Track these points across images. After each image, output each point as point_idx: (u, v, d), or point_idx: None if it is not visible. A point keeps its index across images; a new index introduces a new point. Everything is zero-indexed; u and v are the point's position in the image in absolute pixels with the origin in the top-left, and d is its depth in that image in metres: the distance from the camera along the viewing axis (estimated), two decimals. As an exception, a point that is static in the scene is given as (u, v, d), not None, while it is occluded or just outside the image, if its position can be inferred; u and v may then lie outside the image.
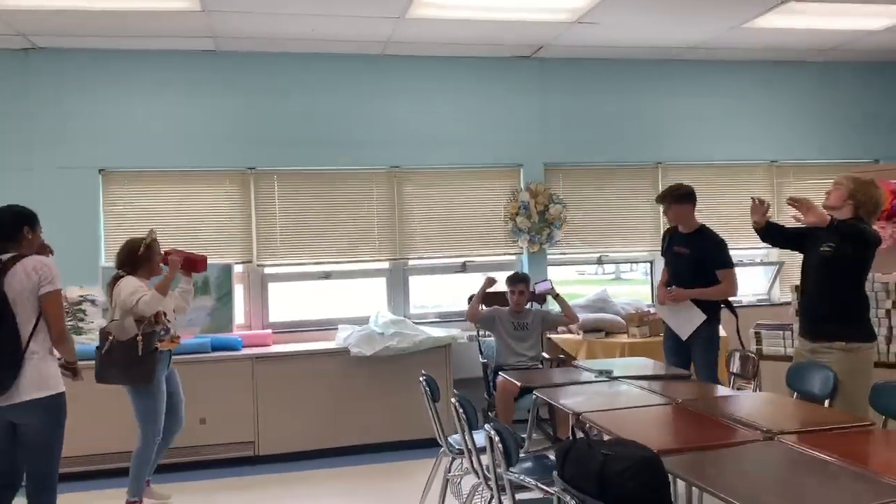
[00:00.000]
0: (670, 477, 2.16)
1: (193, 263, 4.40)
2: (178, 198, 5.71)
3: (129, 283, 4.09)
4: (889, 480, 2.13)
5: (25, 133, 5.45)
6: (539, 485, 2.67)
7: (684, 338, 4.43)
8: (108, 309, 4.39)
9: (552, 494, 2.75)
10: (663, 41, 5.89)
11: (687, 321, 4.40)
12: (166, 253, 4.33)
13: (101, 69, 5.54)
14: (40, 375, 3.25)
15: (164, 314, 4.19)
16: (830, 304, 3.69)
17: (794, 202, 3.75)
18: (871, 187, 3.72)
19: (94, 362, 4.18)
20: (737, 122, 6.56)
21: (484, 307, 5.36)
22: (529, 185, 6.12)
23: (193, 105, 5.68)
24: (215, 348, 5.27)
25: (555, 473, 2.22)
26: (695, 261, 4.46)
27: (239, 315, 5.75)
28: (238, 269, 5.75)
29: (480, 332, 5.61)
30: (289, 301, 5.93)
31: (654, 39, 5.82)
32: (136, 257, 4.19)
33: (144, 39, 5.35)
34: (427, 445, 4.97)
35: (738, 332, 4.71)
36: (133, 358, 4.01)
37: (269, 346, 5.52)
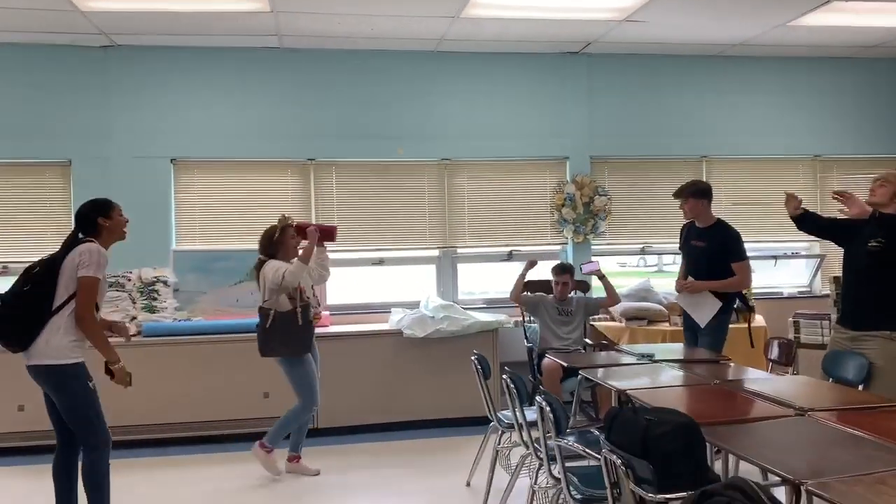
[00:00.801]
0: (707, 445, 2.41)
1: (328, 233, 4.72)
2: (244, 186, 6.08)
3: (273, 265, 4.51)
4: (908, 450, 2.35)
5: (104, 125, 5.86)
6: (587, 451, 2.93)
7: (703, 325, 4.66)
8: (259, 290, 4.70)
9: (598, 462, 3.03)
10: (709, 38, 6.04)
11: (704, 309, 4.63)
12: (300, 226, 4.65)
13: (173, 65, 5.92)
14: (48, 345, 3.39)
15: (305, 292, 4.54)
16: (876, 295, 3.86)
17: (839, 195, 3.94)
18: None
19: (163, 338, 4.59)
20: (780, 116, 6.69)
21: (528, 292, 5.61)
22: (575, 178, 6.34)
23: (257, 99, 6.03)
24: (277, 328, 5.61)
25: (602, 437, 2.48)
26: (710, 253, 4.67)
27: (298, 297, 6.10)
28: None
29: (526, 318, 5.87)
30: (345, 285, 6.26)
31: (699, 37, 5.99)
32: (273, 242, 4.58)
33: (214, 38, 5.71)
34: (474, 423, 5.28)
35: (749, 326, 4.91)
36: (294, 329, 4.44)
37: (327, 326, 5.85)
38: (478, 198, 6.35)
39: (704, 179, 6.48)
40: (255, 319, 5.60)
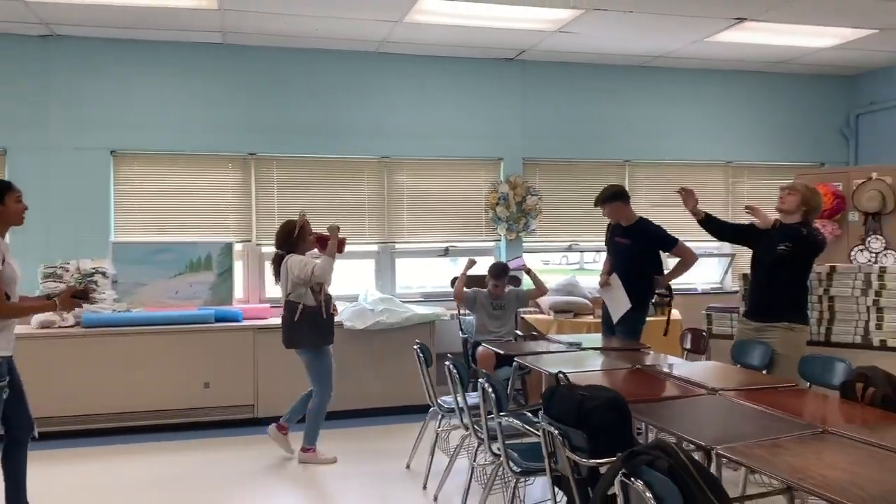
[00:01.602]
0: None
1: (341, 244, 4.85)
2: (184, 179, 6.14)
3: (298, 259, 4.65)
4: (801, 421, 2.73)
5: (43, 116, 5.83)
6: (526, 426, 3.23)
7: (615, 319, 5.07)
8: (280, 283, 4.82)
9: (534, 440, 3.32)
10: (634, 50, 6.46)
11: (618, 305, 5.02)
12: (320, 238, 4.76)
13: (115, 57, 5.93)
14: None
15: (326, 286, 4.70)
16: (780, 292, 4.32)
17: (751, 209, 4.41)
18: (818, 195, 4.44)
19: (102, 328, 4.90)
20: (697, 125, 7.19)
21: (466, 289, 5.89)
22: (509, 178, 6.67)
23: (200, 93, 6.10)
24: (218, 319, 5.72)
25: (541, 413, 2.77)
26: (634, 250, 5.05)
27: (238, 289, 6.21)
28: (238, 247, 6.20)
29: (461, 311, 6.15)
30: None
31: (626, 48, 6.40)
32: (293, 238, 4.69)
33: (158, 31, 5.75)
34: (413, 411, 5.53)
35: (668, 318, 5.44)
36: (319, 322, 4.62)
37: (267, 318, 5.98)
38: (416, 195, 6.60)
39: (627, 182, 6.96)
40: (195, 311, 5.78)
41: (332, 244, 4.68)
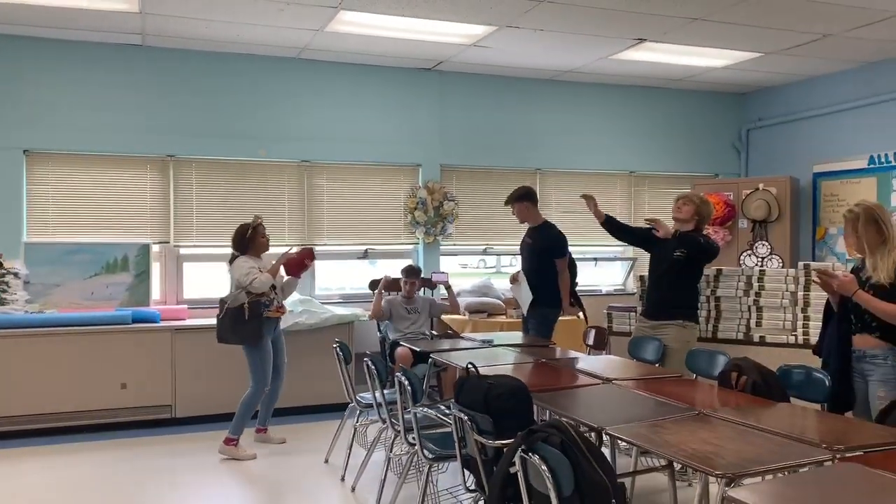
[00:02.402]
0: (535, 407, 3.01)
1: (299, 266, 5.15)
2: (101, 180, 6.11)
3: (243, 264, 4.94)
4: (681, 405, 3.07)
5: (-49, 112, 5.70)
6: (438, 415, 3.47)
7: (525, 311, 5.49)
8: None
9: (445, 430, 3.57)
10: (544, 65, 6.83)
11: (524, 299, 5.44)
12: (290, 263, 5.13)
13: (31, 55, 5.85)
14: None
15: (273, 288, 4.94)
16: (675, 292, 4.76)
17: (652, 221, 4.82)
18: (709, 205, 4.92)
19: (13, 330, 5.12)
20: (603, 136, 7.63)
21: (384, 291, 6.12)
22: (427, 183, 6.92)
23: (119, 94, 6.09)
24: (136, 320, 5.73)
25: (452, 401, 3.02)
26: (534, 250, 5.46)
27: (155, 291, 6.22)
28: (155, 248, 6.22)
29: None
30: (202, 279, 6.44)
31: (536, 63, 6.76)
32: (245, 240, 4.92)
33: (76, 31, 5.72)
34: (331, 410, 5.70)
35: (585, 317, 5.82)
36: (241, 321, 4.87)
37: (184, 319, 6.02)
38: (336, 199, 6.76)
39: (538, 189, 7.30)
40: (110, 313, 5.78)
41: (273, 268, 5.01)
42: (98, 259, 5.98)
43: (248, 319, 4.89)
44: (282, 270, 5.19)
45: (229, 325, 4.93)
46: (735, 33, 5.82)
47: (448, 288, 6.21)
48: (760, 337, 5.12)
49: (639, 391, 3.37)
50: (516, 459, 2.35)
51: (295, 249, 5.28)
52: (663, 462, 3.33)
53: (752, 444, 2.53)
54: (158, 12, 5.28)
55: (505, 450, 2.63)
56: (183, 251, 6.36)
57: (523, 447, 2.32)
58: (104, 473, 4.68)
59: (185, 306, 6.19)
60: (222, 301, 5.01)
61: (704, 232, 4.93)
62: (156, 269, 6.22)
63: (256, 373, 4.99)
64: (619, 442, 3.71)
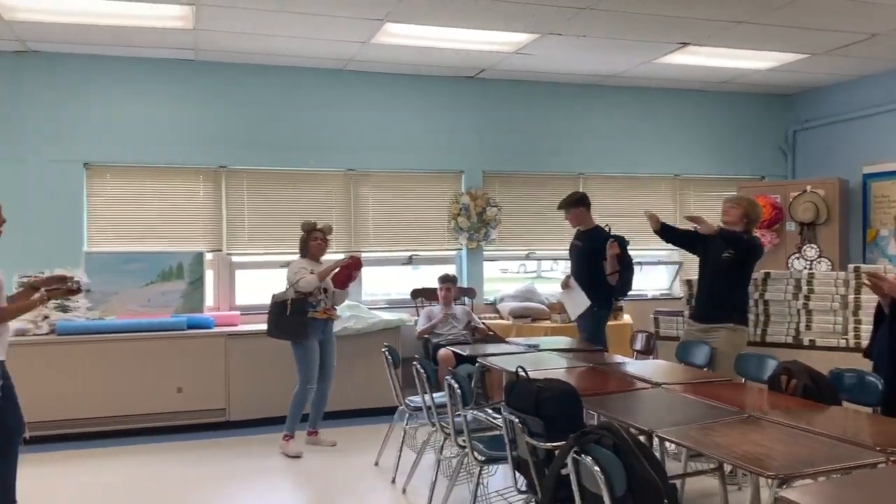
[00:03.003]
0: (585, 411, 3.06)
1: (345, 279, 5.32)
2: (156, 191, 6.33)
3: (295, 264, 5.26)
4: (730, 408, 3.09)
5: (18, 129, 5.97)
6: (489, 418, 3.54)
7: (573, 318, 5.48)
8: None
9: (494, 432, 3.64)
10: (586, 70, 6.87)
11: (576, 305, 5.43)
12: (341, 278, 5.31)
13: (88, 72, 6.10)
14: None
15: (323, 290, 5.16)
16: (725, 295, 4.71)
17: (692, 219, 4.80)
18: (758, 207, 4.89)
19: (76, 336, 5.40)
20: (647, 140, 7.62)
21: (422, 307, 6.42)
22: (469, 190, 7.00)
23: (171, 107, 6.30)
24: (190, 326, 5.92)
25: (503, 404, 3.08)
26: (584, 253, 5.47)
27: (209, 298, 6.41)
28: (209, 256, 6.41)
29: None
30: (254, 286, 6.61)
31: (578, 69, 6.80)
32: (302, 243, 5.29)
33: (132, 48, 5.95)
34: (380, 413, 5.80)
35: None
36: (283, 317, 5.10)
37: (237, 325, 6.20)
38: (381, 206, 6.89)
39: (582, 194, 7.35)
40: (166, 319, 5.98)
41: (323, 271, 5.19)
42: (154, 267, 6.19)
43: (289, 315, 5.08)
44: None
45: (273, 319, 5.17)
46: (780, 35, 5.78)
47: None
48: (810, 340, 5.08)
49: (688, 395, 3.39)
50: (568, 461, 2.41)
51: (342, 257, 5.44)
52: (712, 465, 3.36)
53: (804, 446, 2.55)
54: (211, 28, 5.46)
55: (556, 452, 2.68)
56: (235, 259, 6.55)
57: (576, 448, 2.38)
58: (160, 474, 4.85)
59: (238, 312, 6.37)
60: (273, 296, 5.23)
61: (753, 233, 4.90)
62: (209, 276, 6.41)
63: (300, 369, 5.20)
64: (668, 446, 3.74)
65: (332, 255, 5.64)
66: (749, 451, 2.47)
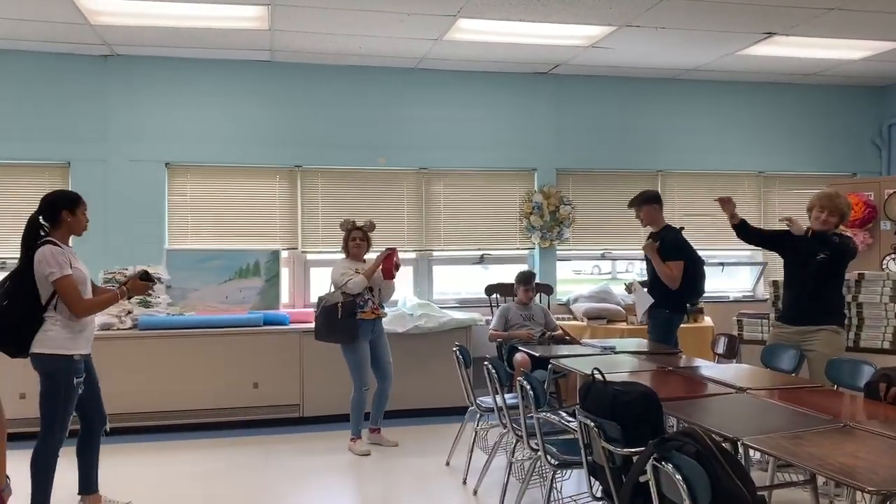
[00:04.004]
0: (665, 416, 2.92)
1: (389, 271, 5.24)
2: (234, 190, 6.46)
3: (339, 265, 5.22)
4: (822, 416, 2.90)
5: (102, 129, 6.19)
6: (562, 421, 3.43)
7: (639, 318, 5.26)
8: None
9: (568, 436, 3.53)
10: (665, 64, 6.64)
11: (641, 305, 5.30)
12: (388, 268, 5.22)
13: (168, 74, 6.28)
14: (45, 336, 3.61)
15: (368, 289, 5.14)
16: (821, 296, 4.42)
17: (787, 220, 4.55)
18: (847, 205, 4.50)
19: (157, 331, 5.51)
20: (729, 135, 7.32)
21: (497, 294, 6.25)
22: (542, 188, 6.88)
23: (248, 107, 6.42)
24: (267, 323, 6.01)
25: (577, 408, 2.97)
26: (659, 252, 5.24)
27: (285, 295, 6.50)
28: (284, 254, 6.50)
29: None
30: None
31: (657, 62, 6.58)
32: (343, 244, 5.26)
33: (210, 50, 6.09)
34: (451, 412, 5.75)
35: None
36: (334, 321, 5.08)
37: (311, 322, 6.23)
38: (452, 205, 6.84)
39: (660, 192, 7.11)
40: (244, 315, 6.08)
41: (369, 269, 5.12)
42: (232, 265, 6.31)
43: (340, 318, 5.06)
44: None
45: (323, 323, 5.12)
46: (874, 22, 5.44)
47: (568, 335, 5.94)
48: (905, 345, 4.76)
49: (776, 401, 3.20)
50: (648, 468, 2.29)
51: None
52: (803, 476, 3.17)
53: (908, 459, 2.35)
54: (286, 28, 5.53)
55: (635, 458, 2.56)
56: (310, 257, 6.62)
57: (655, 455, 2.25)
58: (236, 467, 4.92)
59: (313, 309, 6.41)
60: (319, 299, 5.22)
61: (840, 230, 4.60)
62: (285, 273, 6.50)
63: (352, 371, 5.18)
64: (753, 455, 3.55)
65: (404, 255, 5.60)
66: (846, 463, 2.29)
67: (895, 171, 7.44)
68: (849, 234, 5.74)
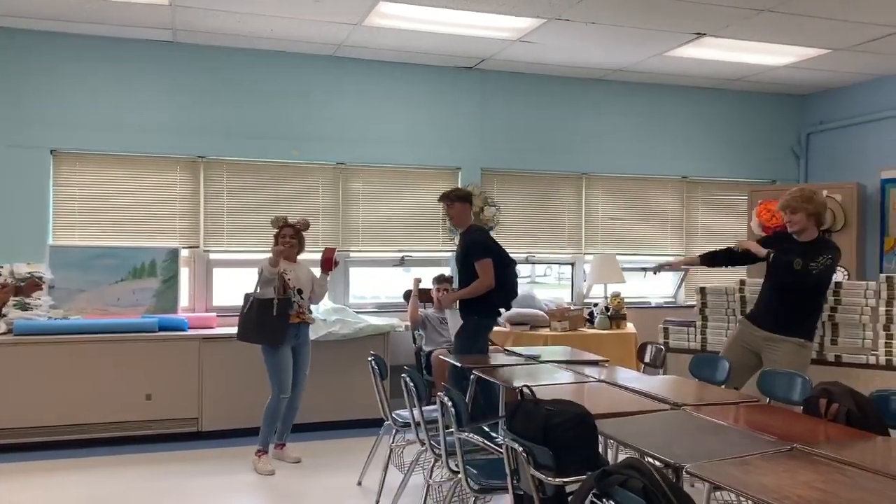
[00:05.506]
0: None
1: (329, 261, 4.99)
2: (129, 181, 5.88)
3: (263, 262, 4.75)
4: (768, 437, 2.67)
5: (-24, 110, 5.51)
6: (486, 442, 3.10)
7: (452, 337, 5.10)
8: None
9: (493, 455, 3.20)
10: (593, 63, 6.45)
11: (454, 325, 5.07)
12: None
13: (57, 51, 5.65)
14: None
15: (298, 291, 4.77)
16: (796, 308, 4.21)
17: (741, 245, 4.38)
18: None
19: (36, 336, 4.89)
20: (654, 139, 7.21)
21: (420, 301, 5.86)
22: (467, 188, 6.56)
23: (148, 92, 5.86)
24: (162, 328, 5.47)
25: (503, 427, 2.65)
26: (460, 255, 5.05)
27: (184, 297, 5.96)
28: (184, 253, 5.96)
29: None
30: (233, 286, 6.16)
31: (586, 61, 6.38)
32: (274, 242, 4.88)
33: (105, 27, 5.51)
34: (366, 425, 5.37)
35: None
36: (268, 318, 4.66)
37: (213, 327, 5.75)
38: (372, 203, 6.45)
39: (584, 194, 6.98)
40: (137, 320, 5.53)
41: (274, 253, 4.71)
42: (125, 264, 5.74)
43: (276, 315, 4.67)
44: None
45: (254, 319, 4.71)
46: (803, 27, 5.38)
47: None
48: (836, 356, 4.66)
49: (715, 419, 2.96)
50: (587, 505, 1.98)
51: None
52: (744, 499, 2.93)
53: (869, 490, 2.13)
54: (189, 5, 5.02)
55: (566, 488, 2.26)
56: (213, 256, 6.10)
57: (595, 492, 1.95)
58: (125, 490, 4.39)
59: (214, 314, 5.92)
60: (247, 296, 4.81)
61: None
62: (184, 274, 5.96)
63: (273, 378, 4.80)
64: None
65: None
66: (805, 496, 2.04)
67: (813, 179, 7.49)
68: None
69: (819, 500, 2.02)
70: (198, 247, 6.03)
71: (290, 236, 4.89)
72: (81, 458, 4.96)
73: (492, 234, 6.54)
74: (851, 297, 4.64)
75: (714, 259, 4.66)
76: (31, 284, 3.42)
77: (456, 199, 5.04)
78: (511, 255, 6.71)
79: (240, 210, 6.10)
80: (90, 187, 5.80)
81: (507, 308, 5.43)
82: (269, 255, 4.73)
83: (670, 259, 4.50)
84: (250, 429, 5.09)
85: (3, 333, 5.17)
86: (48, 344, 5.15)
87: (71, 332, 5.24)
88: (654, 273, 4.87)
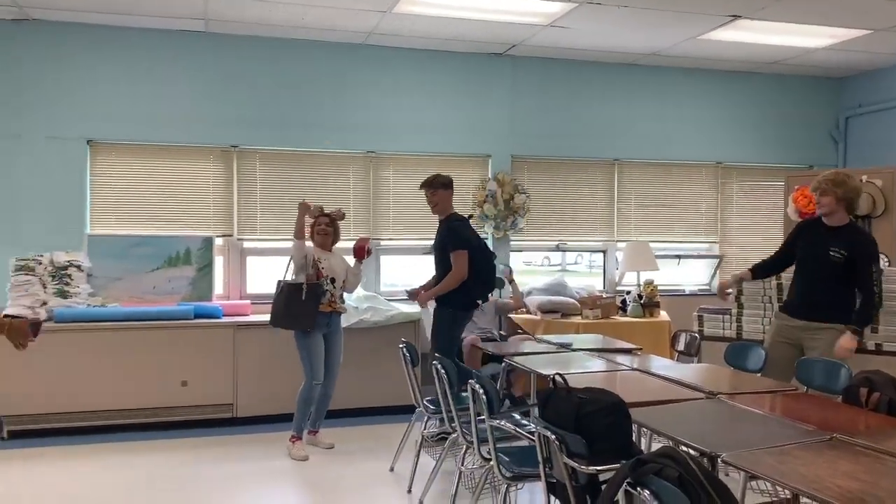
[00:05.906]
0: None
1: (362, 249, 5.07)
2: (164, 171, 5.95)
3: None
4: (806, 426, 2.62)
5: (15, 102, 5.60)
6: (518, 430, 3.10)
7: (429, 334, 5.05)
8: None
9: (525, 443, 3.20)
10: (626, 47, 6.36)
11: (428, 325, 5.06)
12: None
13: (93, 43, 5.72)
14: None
15: (330, 280, 4.83)
16: (835, 293, 4.07)
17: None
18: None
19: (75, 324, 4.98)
20: (688, 124, 7.10)
21: None
22: (497, 175, 6.54)
23: (182, 82, 5.91)
24: (197, 316, 5.54)
25: (535, 415, 2.64)
26: (437, 246, 4.97)
27: (218, 285, 6.03)
28: (218, 242, 6.02)
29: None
30: (266, 274, 6.21)
31: (618, 45, 6.29)
32: (310, 231, 4.97)
33: (139, 18, 5.57)
34: (398, 412, 5.40)
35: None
36: (296, 302, 4.70)
37: (247, 315, 5.81)
38: (402, 191, 6.45)
39: (616, 181, 6.90)
40: (172, 307, 5.62)
41: (296, 224, 4.83)
42: (160, 252, 5.82)
43: (304, 300, 4.71)
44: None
45: (283, 304, 4.75)
46: (842, 7, 5.25)
47: (512, 281, 5.90)
48: (877, 345, 4.57)
49: (752, 408, 2.92)
50: (620, 495, 1.97)
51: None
52: (786, 496, 2.90)
53: (909, 480, 2.08)
54: (221, -6, 5.05)
55: (600, 476, 2.25)
56: (246, 245, 6.16)
57: (629, 480, 1.93)
58: (161, 474, 4.47)
59: (248, 301, 5.99)
60: (279, 282, 4.86)
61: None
62: (219, 262, 6.03)
63: (304, 362, 4.84)
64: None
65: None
66: (846, 486, 2.00)
67: (851, 164, 7.32)
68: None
69: (860, 490, 1.98)
70: (231, 235, 6.09)
71: (325, 224, 4.94)
72: (119, 443, 5.06)
73: (523, 220, 6.55)
74: (891, 283, 4.54)
75: (765, 269, 4.50)
76: (35, 323, 3.53)
77: (440, 187, 4.97)
78: (542, 242, 6.69)
79: (272, 199, 6.15)
80: (126, 177, 5.88)
81: (485, 300, 5.36)
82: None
83: (726, 278, 4.40)
84: (284, 415, 5.15)
85: (44, 321, 5.27)
86: (87, 331, 5.25)
87: (109, 320, 5.33)
88: (724, 298, 4.66)
